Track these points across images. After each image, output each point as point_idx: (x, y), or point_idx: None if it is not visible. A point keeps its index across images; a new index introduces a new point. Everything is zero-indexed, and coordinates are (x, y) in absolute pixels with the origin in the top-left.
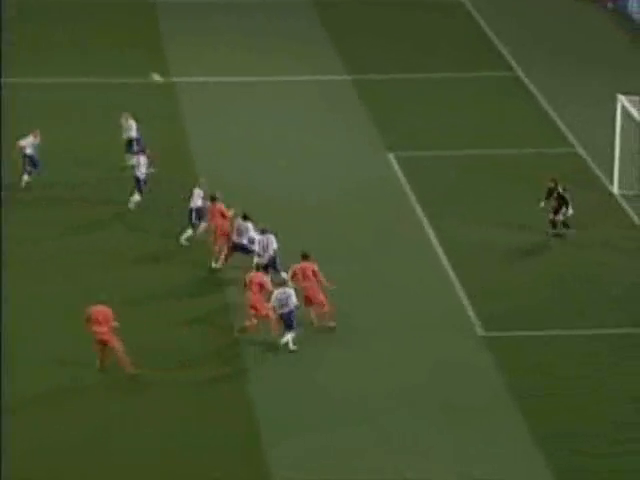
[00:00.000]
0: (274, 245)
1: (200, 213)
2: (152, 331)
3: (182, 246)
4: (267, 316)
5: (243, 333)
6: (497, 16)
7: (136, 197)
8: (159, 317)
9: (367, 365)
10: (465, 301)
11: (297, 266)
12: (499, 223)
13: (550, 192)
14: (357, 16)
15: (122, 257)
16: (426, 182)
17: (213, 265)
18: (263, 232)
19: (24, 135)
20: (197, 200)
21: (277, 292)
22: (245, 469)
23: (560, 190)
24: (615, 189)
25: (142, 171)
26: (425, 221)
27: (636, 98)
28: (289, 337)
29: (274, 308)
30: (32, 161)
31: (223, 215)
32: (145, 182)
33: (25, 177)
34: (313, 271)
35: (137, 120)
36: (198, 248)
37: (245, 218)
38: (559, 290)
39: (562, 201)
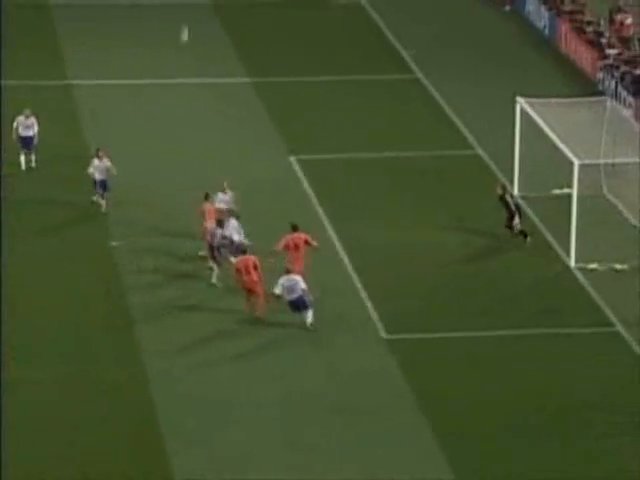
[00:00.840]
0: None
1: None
2: None
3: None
4: (262, 294)
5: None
6: (397, 18)
7: None
8: None
9: (269, 368)
10: (368, 303)
11: (289, 237)
12: (400, 225)
13: (500, 199)
14: (258, 19)
15: None
16: (327, 185)
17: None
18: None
19: None
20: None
21: (283, 279)
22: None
23: (507, 198)
24: (515, 190)
25: None
26: (327, 223)
27: (535, 100)
28: (309, 315)
29: (278, 295)
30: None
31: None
32: None
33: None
34: (305, 241)
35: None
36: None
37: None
38: (458, 292)
39: (509, 208)
